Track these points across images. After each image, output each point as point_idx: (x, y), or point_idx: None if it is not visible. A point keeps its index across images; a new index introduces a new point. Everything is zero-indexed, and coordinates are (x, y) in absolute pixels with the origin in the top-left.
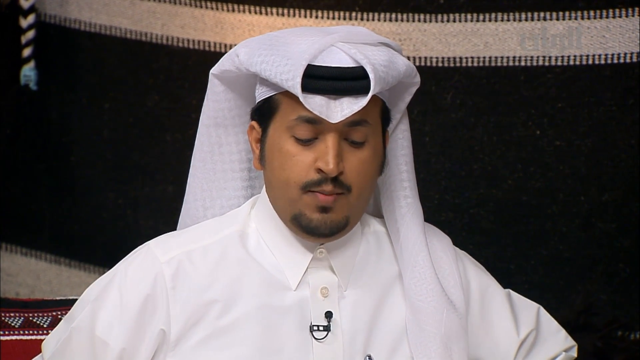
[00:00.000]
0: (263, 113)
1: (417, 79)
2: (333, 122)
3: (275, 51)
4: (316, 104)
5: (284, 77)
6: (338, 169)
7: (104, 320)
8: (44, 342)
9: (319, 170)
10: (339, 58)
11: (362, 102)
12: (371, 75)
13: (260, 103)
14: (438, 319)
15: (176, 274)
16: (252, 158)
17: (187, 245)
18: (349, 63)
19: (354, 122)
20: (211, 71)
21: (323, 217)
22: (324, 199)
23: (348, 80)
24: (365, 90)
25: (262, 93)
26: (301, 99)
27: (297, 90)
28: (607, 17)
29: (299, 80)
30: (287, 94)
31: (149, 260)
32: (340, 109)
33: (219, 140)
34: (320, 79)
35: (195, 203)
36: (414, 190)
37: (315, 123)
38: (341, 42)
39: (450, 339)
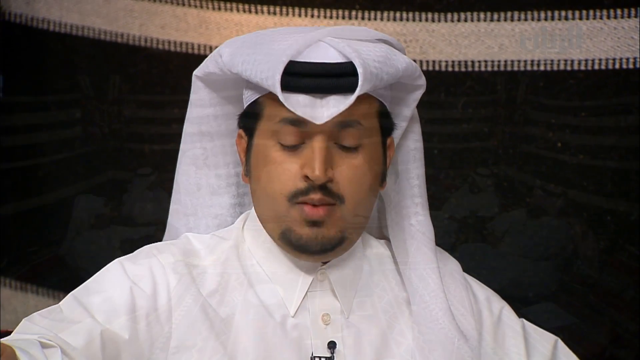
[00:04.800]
0: (248, 119)
1: (422, 81)
2: (318, 122)
3: (258, 49)
4: (299, 103)
5: (263, 76)
6: (326, 176)
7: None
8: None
9: (306, 178)
10: (325, 53)
11: (348, 100)
12: (360, 70)
13: (247, 108)
14: (449, 350)
15: (181, 280)
16: (240, 171)
17: (187, 258)
18: (336, 59)
19: (344, 123)
20: (194, 72)
21: (314, 232)
22: (311, 212)
23: (334, 77)
24: (354, 88)
25: (248, 97)
26: (281, 98)
27: (276, 88)
28: (635, 16)
29: (278, 77)
30: (271, 96)
31: (152, 258)
32: (326, 109)
33: (203, 152)
34: (303, 77)
35: (179, 222)
36: (425, 207)
37: (301, 126)
38: (330, 37)
39: None
